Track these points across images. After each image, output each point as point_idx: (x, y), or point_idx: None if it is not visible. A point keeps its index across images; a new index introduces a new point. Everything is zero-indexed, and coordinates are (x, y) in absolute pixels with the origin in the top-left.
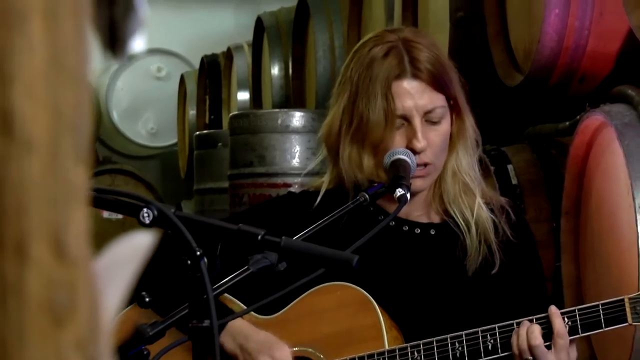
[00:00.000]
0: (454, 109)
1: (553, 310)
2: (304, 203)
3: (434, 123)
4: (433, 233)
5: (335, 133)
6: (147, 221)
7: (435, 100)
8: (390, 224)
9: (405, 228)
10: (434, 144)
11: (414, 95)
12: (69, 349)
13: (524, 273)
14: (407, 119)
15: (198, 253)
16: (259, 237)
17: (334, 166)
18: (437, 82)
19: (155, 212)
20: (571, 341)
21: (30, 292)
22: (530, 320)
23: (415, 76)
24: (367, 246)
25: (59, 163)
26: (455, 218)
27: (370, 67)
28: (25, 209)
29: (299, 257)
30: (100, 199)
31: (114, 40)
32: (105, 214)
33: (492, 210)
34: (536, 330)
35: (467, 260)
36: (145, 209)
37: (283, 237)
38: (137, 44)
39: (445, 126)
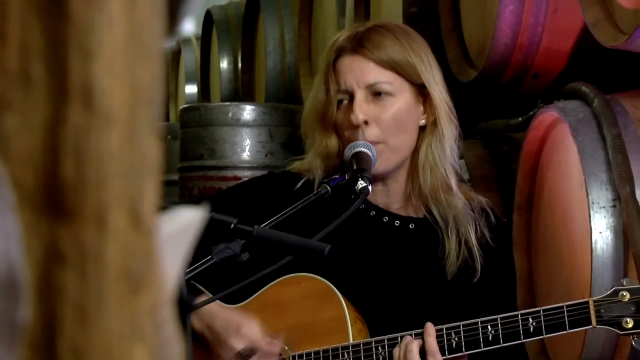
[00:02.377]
0: (426, 98)
1: (428, 327)
2: (285, 184)
3: (382, 99)
4: (412, 227)
5: (304, 121)
6: None
7: (379, 75)
8: (371, 213)
9: (386, 219)
10: (380, 120)
11: (354, 69)
12: (143, 314)
13: (497, 279)
14: (351, 95)
15: None
16: (232, 225)
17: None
18: (385, 61)
19: None
20: (461, 357)
21: (109, 260)
22: (416, 334)
23: (356, 51)
24: (346, 235)
25: (136, 136)
26: (435, 214)
27: (325, 53)
28: (104, 180)
29: (272, 245)
30: None
31: (169, 20)
32: None
33: (472, 211)
34: (414, 348)
35: (446, 261)
36: None
37: (255, 226)
38: (188, 25)
39: (397, 104)
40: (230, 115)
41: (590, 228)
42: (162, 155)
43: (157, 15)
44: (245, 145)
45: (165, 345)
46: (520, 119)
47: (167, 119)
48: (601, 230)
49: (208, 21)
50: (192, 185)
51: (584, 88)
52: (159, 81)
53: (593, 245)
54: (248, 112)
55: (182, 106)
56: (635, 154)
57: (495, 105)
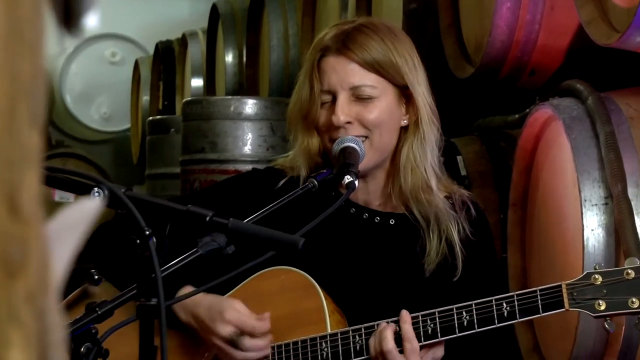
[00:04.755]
0: (409, 99)
1: (403, 314)
2: (268, 180)
3: (365, 101)
4: (392, 223)
5: (289, 117)
6: None
7: (363, 78)
8: (351, 210)
9: (365, 216)
10: (363, 119)
11: (338, 70)
12: (19, 299)
13: (478, 273)
14: (334, 95)
15: (147, 232)
16: (207, 218)
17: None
18: (369, 63)
19: (106, 192)
20: (438, 343)
21: None
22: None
23: (341, 52)
24: (326, 231)
25: (14, 127)
26: (415, 213)
27: (310, 50)
28: None
29: (247, 239)
30: (51, 178)
31: (68, 16)
32: (57, 197)
33: (452, 205)
34: (388, 334)
35: (427, 258)
36: (96, 188)
37: (231, 219)
38: (91, 21)
39: (379, 106)
40: (232, 108)
41: (582, 225)
42: (42, 145)
43: (40, 13)
44: (246, 139)
45: (47, 332)
46: (517, 115)
47: (173, 111)
48: (593, 228)
49: (214, 15)
50: (193, 178)
51: (578, 86)
52: (42, 75)
53: (585, 243)
54: (250, 106)
55: (185, 99)
56: (628, 152)
57: (493, 101)
